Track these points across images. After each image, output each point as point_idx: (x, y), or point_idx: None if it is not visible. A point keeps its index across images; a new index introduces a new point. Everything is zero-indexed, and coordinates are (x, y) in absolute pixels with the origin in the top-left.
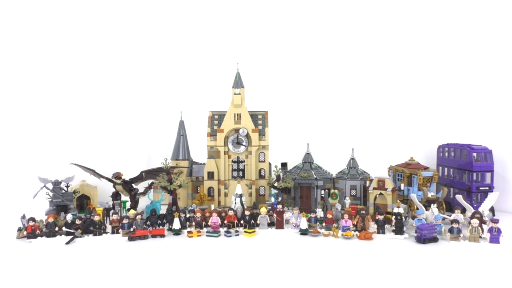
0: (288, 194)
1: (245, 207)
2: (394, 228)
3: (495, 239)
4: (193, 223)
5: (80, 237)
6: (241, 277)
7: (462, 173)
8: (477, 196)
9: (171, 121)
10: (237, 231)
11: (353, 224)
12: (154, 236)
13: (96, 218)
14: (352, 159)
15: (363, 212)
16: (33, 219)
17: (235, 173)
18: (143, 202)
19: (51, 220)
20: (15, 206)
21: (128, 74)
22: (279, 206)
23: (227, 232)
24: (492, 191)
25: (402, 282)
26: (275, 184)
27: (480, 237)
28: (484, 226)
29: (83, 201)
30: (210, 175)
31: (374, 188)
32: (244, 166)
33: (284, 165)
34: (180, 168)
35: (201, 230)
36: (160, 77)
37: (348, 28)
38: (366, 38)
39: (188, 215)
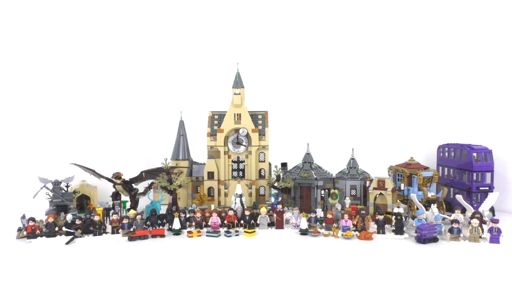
0: (288, 194)
1: (245, 207)
2: (394, 228)
3: (495, 239)
4: (193, 223)
5: (80, 237)
6: (241, 277)
7: (462, 173)
8: (477, 196)
9: (171, 121)
10: (237, 231)
11: (353, 224)
12: (154, 236)
13: (96, 218)
14: (352, 159)
15: (363, 212)
16: (33, 219)
17: (235, 173)
18: (143, 202)
19: (51, 220)
20: (15, 206)
21: (128, 75)
22: (279, 206)
23: (227, 232)
24: (492, 191)
25: (402, 282)
26: (275, 184)
27: (480, 237)
28: (484, 226)
29: (83, 201)
30: (210, 175)
31: (374, 188)
32: (244, 166)
33: (284, 165)
34: (180, 168)
35: (201, 230)
36: (160, 77)
37: (348, 28)
38: (366, 38)
39: (188, 215)
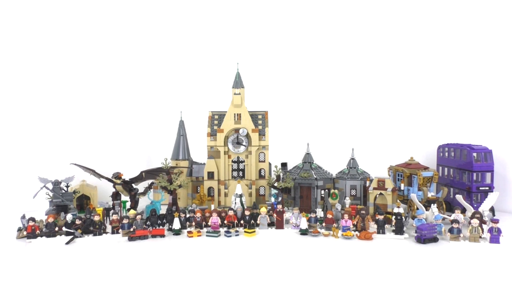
0: (288, 194)
1: (245, 207)
2: (394, 228)
3: (495, 239)
4: (193, 223)
5: (80, 237)
6: (241, 277)
7: (462, 173)
8: (477, 196)
9: (171, 121)
10: (237, 231)
11: (353, 224)
12: (154, 236)
13: (96, 218)
14: (352, 159)
15: (363, 212)
16: (33, 219)
17: (235, 173)
18: (143, 202)
19: (51, 220)
20: (15, 206)
21: (128, 75)
22: (279, 206)
23: (227, 232)
24: (492, 191)
25: (402, 282)
26: (275, 184)
27: (480, 237)
28: (484, 226)
29: (83, 201)
30: (210, 175)
31: (374, 188)
32: (244, 166)
33: (284, 165)
34: (180, 168)
35: (201, 230)
36: (160, 77)
37: (348, 28)
38: (366, 38)
39: (188, 215)
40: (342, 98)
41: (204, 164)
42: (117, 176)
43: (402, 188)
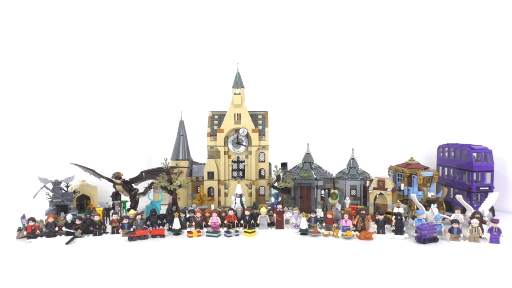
0: (288, 194)
1: (245, 207)
2: (394, 228)
3: (495, 239)
4: (193, 223)
5: (80, 237)
6: (241, 277)
7: (462, 173)
8: (477, 196)
9: (171, 121)
10: (237, 231)
11: (353, 224)
12: (154, 236)
13: (96, 218)
14: (352, 159)
15: (363, 212)
16: (33, 219)
17: (235, 173)
18: (143, 202)
19: (51, 220)
20: (15, 206)
21: (128, 74)
22: (279, 206)
23: (227, 232)
24: (492, 191)
25: (402, 282)
26: (275, 184)
27: (480, 237)
28: (484, 226)
29: (83, 201)
30: (210, 175)
31: (374, 188)
32: (244, 166)
33: (284, 165)
34: (180, 168)
35: (201, 230)
36: (160, 77)
37: (348, 28)
38: (366, 38)
39: (188, 215)
40: (342, 98)
41: (204, 164)
42: (117, 176)
43: (402, 188)
